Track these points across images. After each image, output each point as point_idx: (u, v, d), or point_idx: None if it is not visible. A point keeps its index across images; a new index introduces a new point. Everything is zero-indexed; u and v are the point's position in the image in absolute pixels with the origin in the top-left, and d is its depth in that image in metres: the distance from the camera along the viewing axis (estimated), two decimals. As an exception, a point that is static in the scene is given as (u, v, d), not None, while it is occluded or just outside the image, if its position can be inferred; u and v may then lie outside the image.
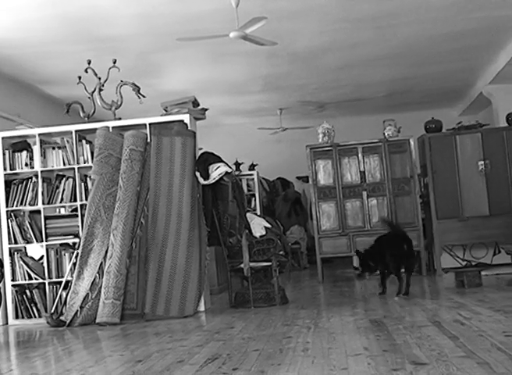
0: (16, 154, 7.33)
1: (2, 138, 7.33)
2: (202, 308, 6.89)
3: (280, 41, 8.51)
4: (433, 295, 7.50)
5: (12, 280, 7.17)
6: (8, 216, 7.23)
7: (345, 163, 9.68)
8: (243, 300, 7.06)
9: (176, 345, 4.83)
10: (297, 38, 9.10)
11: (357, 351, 4.02)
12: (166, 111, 7.49)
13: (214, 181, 6.96)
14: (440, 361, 3.52)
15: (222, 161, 7.17)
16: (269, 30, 7.92)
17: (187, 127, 7.09)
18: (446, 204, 9.67)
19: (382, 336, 4.52)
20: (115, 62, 7.33)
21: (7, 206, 7.24)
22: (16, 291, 7.17)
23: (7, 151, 7.31)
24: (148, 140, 7.04)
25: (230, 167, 7.21)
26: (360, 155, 9.66)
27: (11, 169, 7.31)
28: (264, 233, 7.06)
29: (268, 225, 7.20)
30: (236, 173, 11.95)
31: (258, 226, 7.11)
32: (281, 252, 7.13)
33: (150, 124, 7.15)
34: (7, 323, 7.17)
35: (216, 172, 6.95)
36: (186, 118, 7.17)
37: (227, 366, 3.87)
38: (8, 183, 7.28)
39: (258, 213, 11.87)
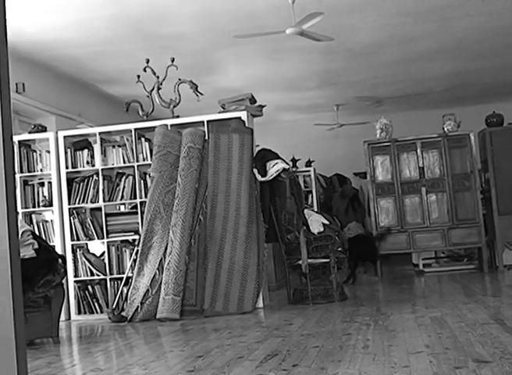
0: (78, 152, 7.47)
1: (64, 137, 7.47)
2: (260, 304, 6.91)
3: (337, 36, 8.46)
4: (495, 292, 7.37)
5: (75, 276, 7.32)
6: (71, 214, 7.38)
7: (403, 159, 9.58)
8: (302, 296, 7.05)
9: (235, 341, 4.85)
10: (354, 33, 9.03)
11: (418, 348, 3.97)
12: (224, 108, 7.52)
13: (271, 178, 6.97)
14: (504, 359, 3.46)
15: (279, 158, 7.18)
16: (326, 25, 7.89)
17: (245, 124, 7.12)
18: (508, 199, 9.47)
19: (443, 333, 4.46)
20: (173, 60, 7.40)
21: (69, 204, 7.38)
22: (79, 287, 7.32)
23: (69, 150, 7.46)
24: (206, 137, 7.09)
25: (287, 164, 7.21)
26: (418, 150, 9.55)
27: (73, 168, 7.45)
28: (322, 229, 7.04)
29: (326, 221, 7.17)
30: (293, 169, 11.93)
31: (316, 222, 7.08)
32: (339, 249, 7.10)
33: (208, 121, 7.20)
34: (70, 319, 7.32)
35: (274, 168, 6.96)
36: (243, 115, 7.19)
37: (287, 362, 3.87)
38: (70, 181, 7.43)
39: (315, 210, 11.83)
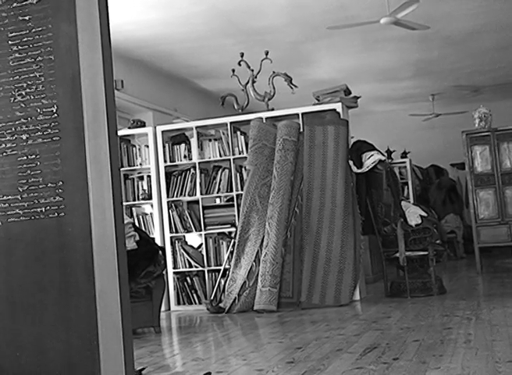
0: (175, 146, 7.61)
1: (162, 132, 7.63)
2: (357, 297, 6.87)
3: (432, 24, 8.29)
4: None
5: (174, 268, 7.48)
6: (169, 207, 7.53)
7: (504, 149, 9.27)
8: (399, 289, 6.96)
9: (333, 334, 4.84)
10: (450, 21, 8.81)
11: (523, 343, 3.87)
12: (318, 100, 7.50)
13: (367, 170, 6.90)
14: None
15: (375, 149, 7.10)
16: (421, 13, 7.73)
17: (340, 116, 7.08)
18: None
19: (549, 329, 4.32)
20: (267, 53, 7.43)
21: (168, 197, 7.54)
22: (178, 278, 7.47)
23: (167, 144, 7.61)
24: (301, 129, 7.09)
25: (384, 155, 7.13)
26: (520, 139, 9.22)
27: (171, 161, 7.60)
28: (419, 221, 6.92)
29: (424, 213, 7.05)
30: (388, 161, 11.77)
31: (414, 214, 6.98)
32: (438, 241, 6.97)
33: (302, 114, 7.19)
34: (169, 309, 7.49)
35: (370, 160, 6.89)
36: (338, 107, 7.15)
37: (387, 355, 3.84)
38: (168, 175, 7.59)
39: (412, 202, 11.65)
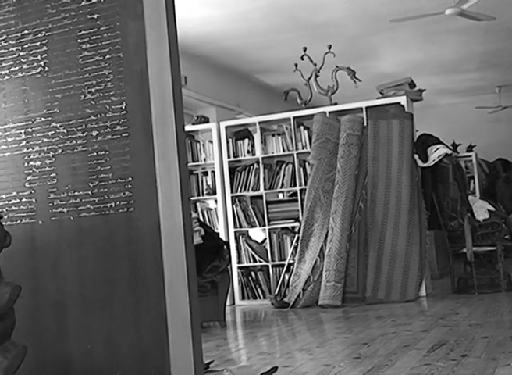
0: (239, 142, 7.65)
1: (226, 127, 7.68)
2: (423, 292, 6.77)
3: (498, 15, 8.09)
4: None
5: (238, 263, 7.51)
6: (233, 202, 7.57)
7: None
8: (466, 285, 6.83)
9: (399, 330, 4.79)
10: (517, 11, 8.61)
11: None
12: (382, 94, 7.42)
13: (433, 164, 6.80)
14: None
15: (440, 142, 6.99)
16: (486, 4, 7.56)
17: (404, 109, 6.99)
18: None
19: None
20: (330, 47, 7.39)
21: (232, 192, 7.58)
22: (242, 273, 7.51)
23: (230, 140, 7.65)
24: (365, 124, 7.03)
25: (450, 148, 7.01)
26: None
27: (234, 157, 7.64)
28: (487, 216, 6.78)
29: (492, 208, 6.91)
30: (454, 154, 11.56)
31: (481, 209, 6.84)
32: (506, 237, 6.82)
33: (366, 108, 7.13)
34: (234, 303, 7.53)
35: (435, 154, 6.79)
36: (402, 100, 7.06)
37: (455, 352, 3.78)
38: (232, 170, 7.62)
39: (478, 196, 11.42)
